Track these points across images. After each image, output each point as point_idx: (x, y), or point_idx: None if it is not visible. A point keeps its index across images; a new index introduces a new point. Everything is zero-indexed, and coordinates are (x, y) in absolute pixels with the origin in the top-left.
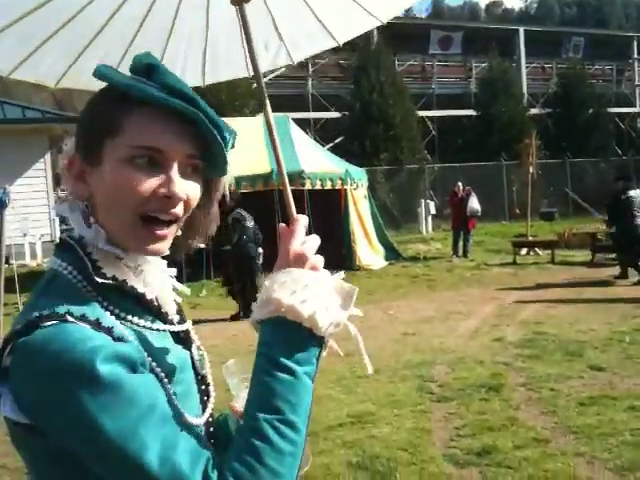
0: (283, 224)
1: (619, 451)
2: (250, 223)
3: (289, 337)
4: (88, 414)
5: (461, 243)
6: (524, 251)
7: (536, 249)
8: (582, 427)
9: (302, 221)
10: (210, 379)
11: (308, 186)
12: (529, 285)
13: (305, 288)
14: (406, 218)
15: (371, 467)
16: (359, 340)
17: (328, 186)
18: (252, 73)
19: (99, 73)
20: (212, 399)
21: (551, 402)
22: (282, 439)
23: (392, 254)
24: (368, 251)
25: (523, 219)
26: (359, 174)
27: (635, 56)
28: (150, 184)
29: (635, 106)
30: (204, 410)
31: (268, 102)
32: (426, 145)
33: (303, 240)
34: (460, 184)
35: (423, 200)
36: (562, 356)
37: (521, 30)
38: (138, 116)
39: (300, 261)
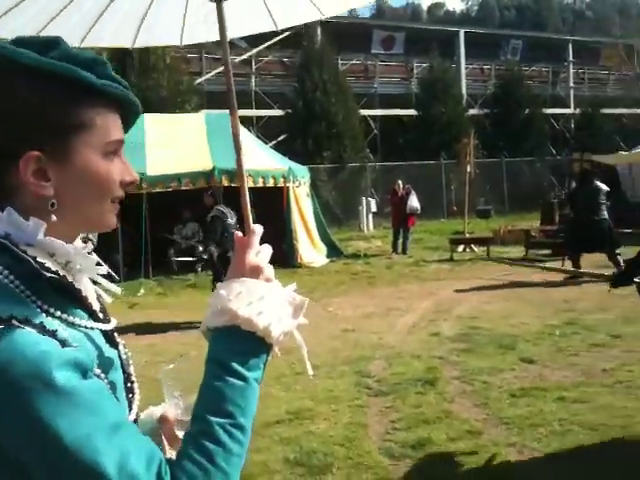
0: (240, 233)
1: (548, 441)
2: (232, 220)
3: (242, 345)
4: (44, 423)
5: (401, 240)
6: (461, 248)
7: (472, 246)
8: (513, 418)
9: (258, 231)
10: (134, 377)
11: (250, 184)
12: (465, 281)
13: (261, 300)
14: (348, 216)
15: (308, 463)
16: (303, 348)
17: (270, 184)
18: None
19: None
20: (137, 397)
21: (484, 394)
22: (232, 441)
23: (334, 251)
24: (310, 249)
25: (461, 217)
26: (302, 172)
27: (570, 59)
28: (120, 173)
29: (569, 107)
30: (130, 408)
31: (237, 112)
32: (368, 144)
33: (258, 250)
34: (400, 182)
35: (364, 198)
36: (495, 349)
37: (461, 32)
38: (104, 109)
39: (255, 272)
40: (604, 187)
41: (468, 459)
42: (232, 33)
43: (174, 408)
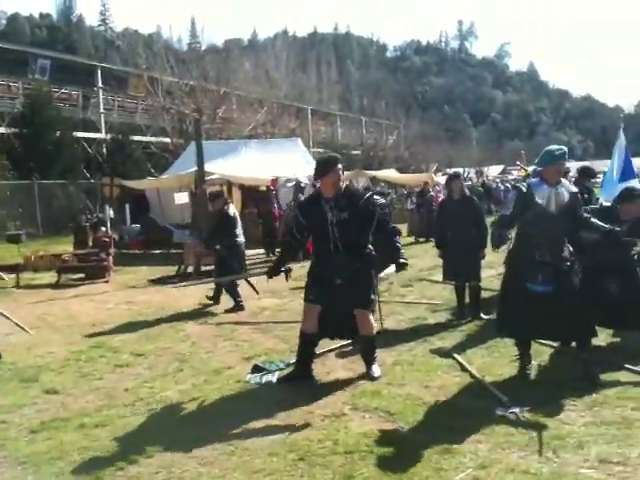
0: None
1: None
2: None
3: None
4: None
5: None
6: None
7: (1, 273)
8: (31, 456)
9: None
10: None
11: None
12: None
13: None
14: None
15: None
16: None
17: None
18: None
19: None
20: None
21: (1, 435)
22: None
23: None
24: None
25: None
26: None
27: (100, 85)
28: None
29: (101, 132)
30: None
31: None
32: None
33: None
34: None
35: None
36: (18, 384)
37: None
38: None
39: None
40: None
41: None
42: None
43: None
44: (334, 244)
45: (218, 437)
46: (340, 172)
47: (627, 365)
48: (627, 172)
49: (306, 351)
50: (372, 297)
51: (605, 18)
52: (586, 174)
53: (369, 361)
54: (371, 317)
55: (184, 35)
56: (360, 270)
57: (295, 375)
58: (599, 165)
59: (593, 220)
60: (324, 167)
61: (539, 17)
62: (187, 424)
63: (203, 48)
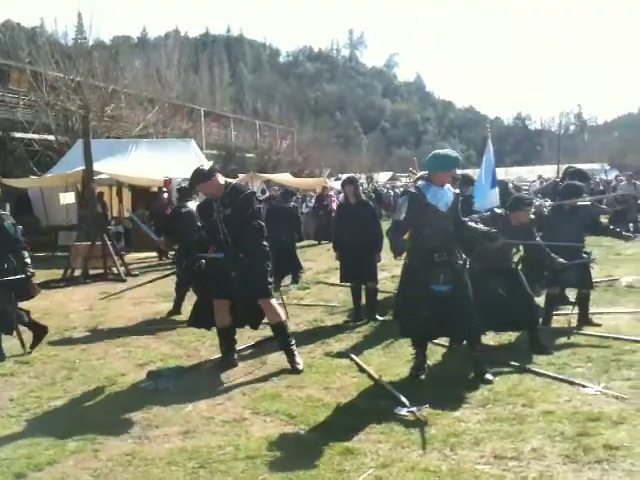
0: None
1: None
2: None
3: None
4: None
5: None
6: None
7: None
8: None
9: None
10: None
11: None
12: None
13: None
14: None
15: None
16: None
17: None
18: None
19: None
20: None
21: None
22: None
23: None
24: None
25: None
26: None
27: None
28: None
29: None
30: None
31: None
32: None
33: None
34: None
35: None
36: None
37: None
38: None
39: None
40: None
41: None
42: None
43: None
44: (225, 239)
45: (113, 447)
46: (217, 181)
47: (513, 362)
48: (494, 180)
49: (225, 344)
50: (269, 284)
51: (486, 32)
52: (467, 181)
53: (288, 350)
54: (275, 304)
55: (70, 30)
56: (251, 263)
57: (220, 366)
58: None
59: (471, 223)
60: (201, 177)
61: (426, 29)
62: (78, 434)
63: (90, 44)
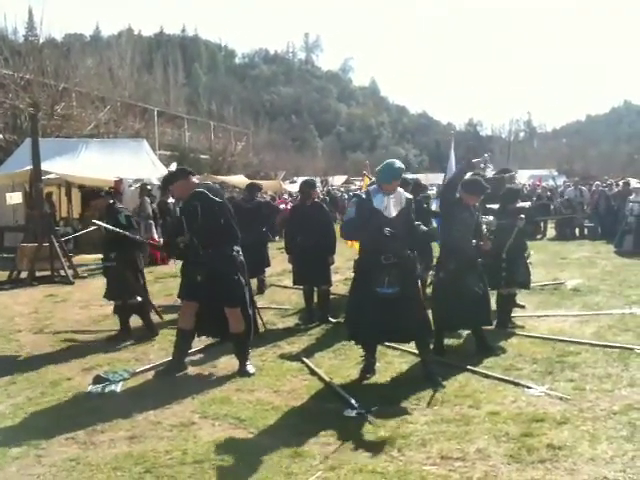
0: None
1: None
2: None
3: None
4: None
5: None
6: None
7: None
8: None
9: None
10: None
11: None
12: None
13: None
14: None
15: None
16: None
17: None
18: None
19: None
20: None
21: None
22: None
23: None
24: None
25: None
26: None
27: None
28: None
29: None
30: None
31: None
32: None
33: None
34: None
35: None
36: None
37: None
38: None
39: None
40: None
41: None
42: None
43: None
44: (192, 242)
45: (57, 453)
46: (190, 181)
47: (460, 364)
48: None
49: (181, 347)
50: (241, 294)
51: (439, 38)
52: (418, 188)
53: (242, 359)
54: (240, 315)
55: (20, 27)
56: (219, 269)
57: (170, 369)
58: (433, 178)
59: (419, 225)
60: (172, 176)
61: (380, 35)
62: (21, 440)
63: (41, 41)
